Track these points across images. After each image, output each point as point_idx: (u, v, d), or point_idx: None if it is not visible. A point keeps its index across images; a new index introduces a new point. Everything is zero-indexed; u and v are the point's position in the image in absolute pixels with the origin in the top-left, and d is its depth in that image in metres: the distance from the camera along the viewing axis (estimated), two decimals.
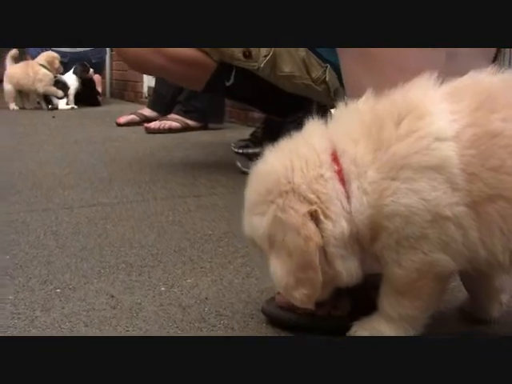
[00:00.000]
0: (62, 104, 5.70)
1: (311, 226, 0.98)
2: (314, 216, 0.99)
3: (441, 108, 0.98)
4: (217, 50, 2.44)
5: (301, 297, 1.01)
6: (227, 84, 2.54)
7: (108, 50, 6.74)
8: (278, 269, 1.02)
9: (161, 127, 3.80)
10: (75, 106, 5.69)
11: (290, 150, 1.06)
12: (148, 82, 5.79)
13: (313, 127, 1.08)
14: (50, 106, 5.64)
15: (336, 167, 1.00)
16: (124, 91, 6.65)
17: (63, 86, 5.66)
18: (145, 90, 6.11)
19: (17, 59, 5.63)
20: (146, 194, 2.22)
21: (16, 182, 2.42)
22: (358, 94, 1.17)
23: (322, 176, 1.00)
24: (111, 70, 6.88)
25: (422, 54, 1.23)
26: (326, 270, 1.00)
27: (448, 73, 1.12)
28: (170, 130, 3.79)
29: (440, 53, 1.25)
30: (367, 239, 1.00)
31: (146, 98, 5.93)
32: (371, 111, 1.02)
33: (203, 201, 2.14)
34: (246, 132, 3.64)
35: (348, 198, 0.99)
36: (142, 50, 2.51)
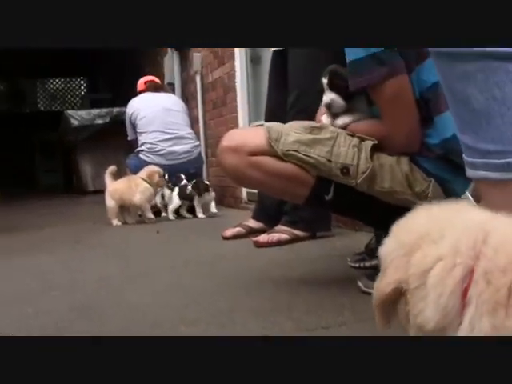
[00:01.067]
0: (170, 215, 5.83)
1: (394, 292, 0.95)
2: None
3: None
4: (315, 166, 2.39)
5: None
6: (327, 198, 2.46)
7: (204, 157, 6.84)
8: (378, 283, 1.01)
9: (269, 240, 3.71)
10: (172, 217, 5.77)
11: (441, 226, 0.97)
12: None
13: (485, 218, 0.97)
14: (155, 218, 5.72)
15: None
16: (223, 197, 6.69)
17: (187, 197, 5.75)
18: (244, 195, 6.12)
19: (115, 175, 5.76)
20: (272, 327, 2.09)
21: (134, 318, 2.35)
22: None
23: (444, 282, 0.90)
24: (208, 176, 6.97)
25: None
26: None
27: None
28: (279, 243, 3.70)
29: None
30: None
31: (246, 202, 5.93)
32: None
33: (333, 334, 2.00)
34: (355, 238, 3.55)
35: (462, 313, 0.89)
36: (240, 164, 2.47)
